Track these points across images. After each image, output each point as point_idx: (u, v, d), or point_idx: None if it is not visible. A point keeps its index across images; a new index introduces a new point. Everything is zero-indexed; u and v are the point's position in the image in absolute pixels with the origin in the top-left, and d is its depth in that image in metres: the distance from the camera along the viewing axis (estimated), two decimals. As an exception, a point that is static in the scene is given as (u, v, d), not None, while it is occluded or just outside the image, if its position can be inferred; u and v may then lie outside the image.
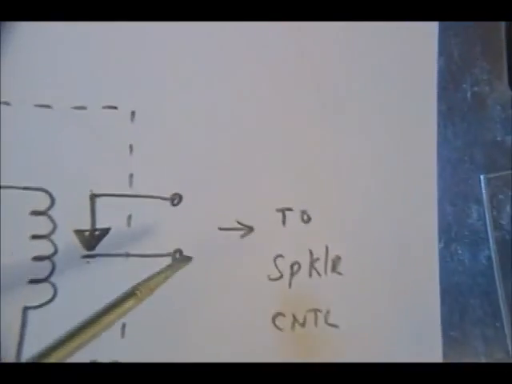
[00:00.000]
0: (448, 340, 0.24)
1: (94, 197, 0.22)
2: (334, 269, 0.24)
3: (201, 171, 0.23)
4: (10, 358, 0.21)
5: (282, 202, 0.24)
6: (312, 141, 0.24)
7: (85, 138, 0.22)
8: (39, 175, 0.22)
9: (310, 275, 0.24)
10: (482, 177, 0.25)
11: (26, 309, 0.21)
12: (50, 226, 0.22)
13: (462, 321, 0.24)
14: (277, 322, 0.24)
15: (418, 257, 0.25)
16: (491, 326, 0.25)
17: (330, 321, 0.24)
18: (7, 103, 0.21)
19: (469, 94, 0.25)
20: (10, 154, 0.21)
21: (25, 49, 0.21)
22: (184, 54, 0.23)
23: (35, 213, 0.22)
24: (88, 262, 0.22)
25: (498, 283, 0.24)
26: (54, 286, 0.22)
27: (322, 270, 0.24)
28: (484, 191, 0.24)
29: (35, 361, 0.15)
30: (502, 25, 0.26)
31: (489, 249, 0.24)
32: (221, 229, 0.23)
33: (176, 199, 0.23)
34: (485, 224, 0.24)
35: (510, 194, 0.25)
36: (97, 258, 0.22)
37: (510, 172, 0.25)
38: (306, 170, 0.24)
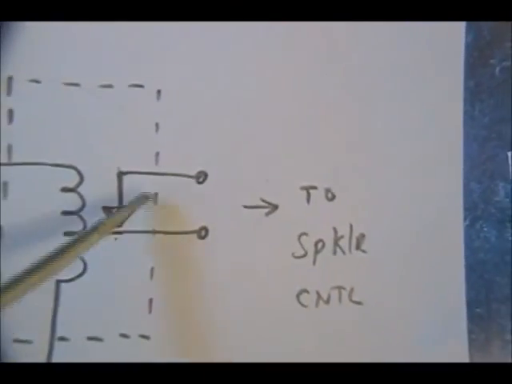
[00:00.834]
0: (473, 316, 0.24)
1: (121, 174, 0.22)
2: (358, 247, 0.24)
3: (226, 149, 0.23)
4: (45, 325, 0.22)
5: (307, 179, 0.24)
6: (337, 119, 0.24)
7: (112, 116, 0.22)
8: (68, 152, 0.22)
9: (335, 253, 0.24)
10: (509, 154, 0.24)
11: (58, 282, 0.22)
12: (79, 203, 0.22)
13: (487, 298, 0.24)
14: (301, 299, 0.24)
15: (442, 235, 0.24)
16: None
17: (354, 298, 0.24)
18: (37, 81, 0.22)
19: (497, 70, 0.24)
20: (40, 131, 0.22)
21: (54, 28, 0.22)
22: (210, 32, 0.23)
23: (65, 189, 0.22)
24: (116, 238, 0.22)
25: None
26: (83, 260, 0.22)
27: (346, 248, 0.24)
28: (511, 168, 0.24)
29: (6, 286, 0.15)
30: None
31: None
32: (245, 206, 0.23)
33: (201, 177, 0.23)
34: (512, 202, 0.24)
35: (538, 171, 0.24)
36: (124, 235, 0.23)
37: (538, 149, 0.24)
38: (330, 147, 0.24)
